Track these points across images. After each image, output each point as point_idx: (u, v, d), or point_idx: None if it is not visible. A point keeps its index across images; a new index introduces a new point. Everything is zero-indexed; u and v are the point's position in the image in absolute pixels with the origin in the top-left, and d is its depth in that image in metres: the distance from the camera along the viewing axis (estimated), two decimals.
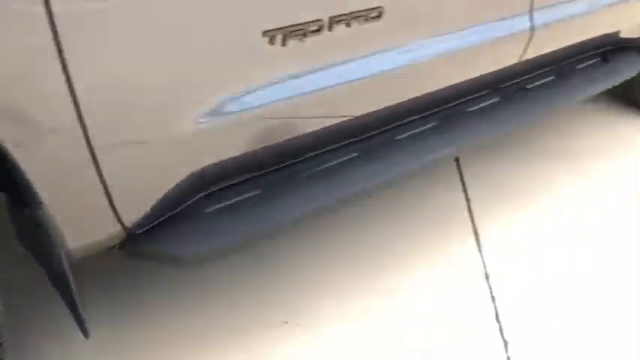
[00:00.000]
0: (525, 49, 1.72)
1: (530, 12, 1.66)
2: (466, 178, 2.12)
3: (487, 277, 1.70)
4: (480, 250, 1.79)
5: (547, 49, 1.83)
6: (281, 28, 1.07)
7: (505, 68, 1.76)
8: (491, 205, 1.99)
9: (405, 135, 1.65)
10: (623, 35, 2.14)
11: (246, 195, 1.32)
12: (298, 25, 1.10)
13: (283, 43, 1.09)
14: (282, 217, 1.34)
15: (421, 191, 2.03)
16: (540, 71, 2.00)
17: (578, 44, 1.99)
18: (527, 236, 1.87)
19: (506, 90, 1.88)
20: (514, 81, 1.92)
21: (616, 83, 2.22)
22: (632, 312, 1.61)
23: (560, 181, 2.13)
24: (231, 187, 1.34)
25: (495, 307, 1.60)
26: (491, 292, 1.65)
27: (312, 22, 1.13)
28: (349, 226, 1.86)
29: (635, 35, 2.18)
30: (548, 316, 1.58)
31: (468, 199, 2.02)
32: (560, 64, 2.05)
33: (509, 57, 1.72)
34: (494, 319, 1.57)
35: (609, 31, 2.09)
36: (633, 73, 2.25)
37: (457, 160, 2.20)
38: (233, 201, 1.32)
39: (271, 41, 1.07)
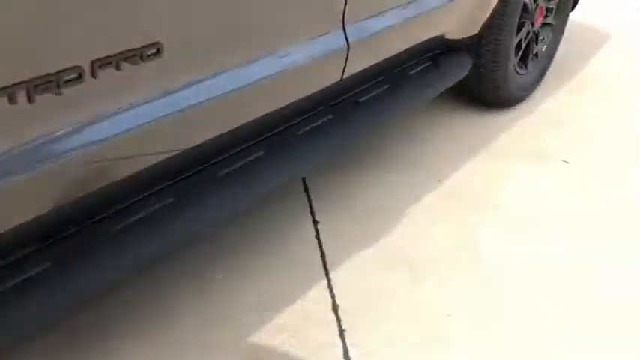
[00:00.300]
0: (345, 65, 1.64)
1: (344, 28, 1.58)
2: (314, 200, 2.03)
3: (336, 309, 1.61)
4: (329, 286, 1.69)
5: (370, 61, 1.77)
6: (20, 83, 0.90)
7: (331, 86, 1.68)
8: (340, 231, 1.91)
9: (229, 169, 1.52)
10: (449, 37, 2.14)
11: (34, 271, 1.13)
12: (47, 75, 0.93)
13: (30, 100, 0.92)
14: (83, 293, 1.17)
15: (267, 219, 1.91)
16: (372, 82, 1.95)
17: (405, 51, 1.95)
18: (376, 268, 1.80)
19: (337, 107, 1.81)
20: (345, 96, 1.85)
21: (450, 84, 2.23)
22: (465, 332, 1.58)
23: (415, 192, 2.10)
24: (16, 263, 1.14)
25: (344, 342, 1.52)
26: (340, 326, 1.56)
27: (67, 69, 0.96)
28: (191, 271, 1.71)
29: (460, 36, 2.19)
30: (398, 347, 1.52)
31: (315, 222, 1.92)
32: (391, 72, 2.01)
33: (330, 75, 1.64)
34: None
35: (435, 35, 2.08)
36: (464, 73, 2.26)
37: (304, 180, 2.11)
38: (20, 279, 1.13)
39: (11, 100, 0.89)
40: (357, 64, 1.69)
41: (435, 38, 2.07)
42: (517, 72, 2.57)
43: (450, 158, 2.28)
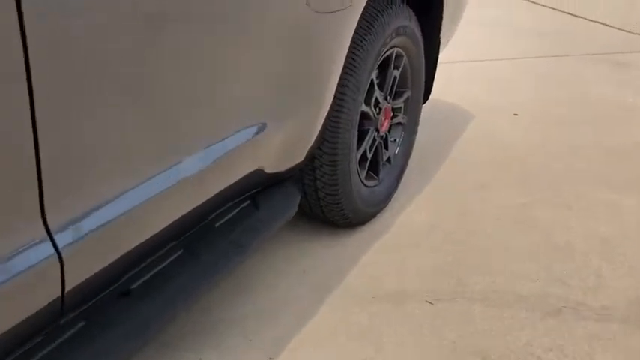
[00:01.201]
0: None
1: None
2: None
3: None
4: None
5: (140, 237, 1.28)
6: None
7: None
8: None
9: None
10: (269, 171, 1.70)
11: None
12: None
13: None
14: None
15: None
16: (166, 248, 1.46)
17: (206, 203, 1.48)
18: None
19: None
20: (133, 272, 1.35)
21: (276, 227, 1.77)
22: None
23: None
24: None
25: None
26: None
27: None
28: None
29: (283, 168, 1.75)
30: None
31: None
32: (190, 231, 1.53)
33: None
34: None
35: (248, 173, 1.62)
36: (293, 210, 1.82)
37: None
38: None
39: None
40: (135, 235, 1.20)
41: (248, 176, 1.62)
42: (366, 186, 2.17)
43: (275, 317, 1.81)
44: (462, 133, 3.07)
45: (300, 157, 1.78)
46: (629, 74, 4.15)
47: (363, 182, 2.14)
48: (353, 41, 1.85)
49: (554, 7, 5.43)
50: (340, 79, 1.83)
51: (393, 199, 2.39)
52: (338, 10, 1.71)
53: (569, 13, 5.36)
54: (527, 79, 3.91)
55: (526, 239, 2.27)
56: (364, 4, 1.84)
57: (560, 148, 2.99)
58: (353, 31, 1.81)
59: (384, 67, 2.16)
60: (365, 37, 1.90)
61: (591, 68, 4.21)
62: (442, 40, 2.50)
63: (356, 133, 2.01)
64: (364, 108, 2.05)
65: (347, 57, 1.83)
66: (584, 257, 2.19)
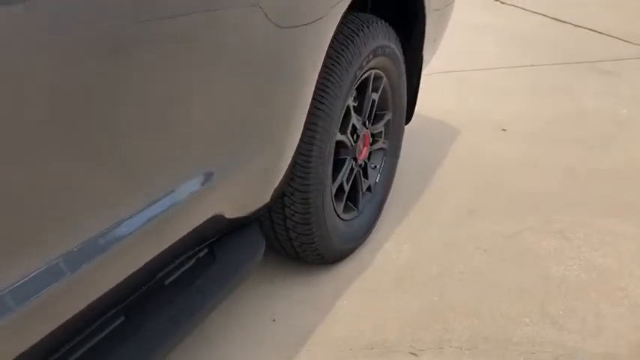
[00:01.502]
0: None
1: None
2: None
3: None
4: None
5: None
6: None
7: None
8: None
9: None
10: (230, 216, 1.50)
11: None
12: None
13: None
14: None
15: None
16: (105, 316, 1.26)
17: (157, 258, 1.29)
18: None
19: None
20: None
21: (244, 276, 1.57)
22: None
23: None
24: None
25: None
26: None
27: None
28: None
29: (245, 213, 1.56)
30: None
31: None
32: (137, 293, 1.32)
33: None
34: None
35: (205, 219, 1.42)
36: (258, 257, 1.62)
37: None
38: None
39: None
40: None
41: (205, 225, 1.42)
42: (343, 220, 1.98)
43: None
44: (447, 152, 2.89)
45: (265, 199, 1.58)
46: (618, 82, 3.98)
47: (339, 216, 1.95)
48: (325, 65, 1.65)
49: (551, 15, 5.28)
50: (310, 107, 1.63)
51: (372, 230, 2.20)
52: (308, 24, 1.50)
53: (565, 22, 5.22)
54: (517, 89, 3.74)
55: (517, 274, 2.09)
56: (338, 20, 1.64)
57: (553, 167, 2.81)
58: (325, 51, 1.61)
59: (361, 90, 1.97)
60: (339, 60, 1.71)
61: (582, 77, 4.04)
62: (425, 57, 2.32)
63: (331, 166, 1.83)
64: (339, 137, 1.86)
65: (318, 83, 1.64)
66: (581, 293, 2.01)
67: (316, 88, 1.64)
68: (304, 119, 1.60)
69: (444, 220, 2.35)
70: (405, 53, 2.20)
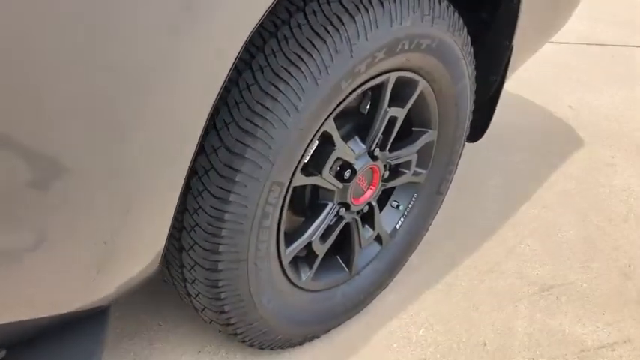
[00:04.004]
0: None
1: None
2: None
3: None
4: None
5: None
6: None
7: None
8: None
9: None
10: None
11: None
12: None
13: None
14: None
15: None
16: None
17: None
18: None
19: None
20: None
21: None
22: None
23: None
24: None
25: None
26: None
27: None
28: None
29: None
30: None
31: None
32: None
33: None
34: None
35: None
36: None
37: None
38: None
39: None
40: None
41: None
42: (310, 291, 1.30)
43: None
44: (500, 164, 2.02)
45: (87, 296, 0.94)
46: None
47: (303, 288, 1.27)
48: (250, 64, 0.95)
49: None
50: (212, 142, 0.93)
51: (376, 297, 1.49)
52: None
53: None
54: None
55: None
56: None
57: None
58: (242, 39, 0.87)
59: (373, 99, 1.22)
60: (288, 58, 0.97)
61: None
62: (518, 47, 1.46)
63: (277, 224, 1.13)
64: (303, 181, 1.14)
65: (234, 97, 0.94)
66: None
67: (228, 104, 0.94)
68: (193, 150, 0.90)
69: (483, 292, 1.57)
70: (484, 38, 1.38)
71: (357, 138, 1.23)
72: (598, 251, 1.73)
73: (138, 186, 0.85)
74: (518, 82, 2.46)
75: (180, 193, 0.92)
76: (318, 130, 1.08)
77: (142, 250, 0.94)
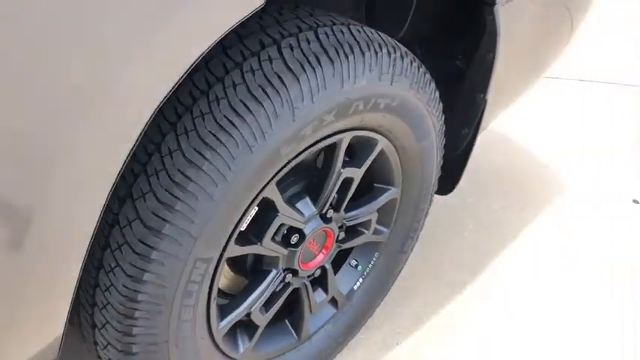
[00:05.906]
0: None
1: None
2: None
3: None
4: None
5: None
6: None
7: None
8: None
9: None
10: None
11: None
12: None
13: None
14: None
15: None
16: None
17: None
18: None
19: None
20: None
21: None
22: None
23: None
24: None
25: None
26: None
27: None
28: None
29: None
30: None
31: None
32: None
33: None
34: None
35: None
36: None
37: None
38: None
39: None
40: None
41: None
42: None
43: None
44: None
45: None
46: None
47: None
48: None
49: None
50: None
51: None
52: None
53: None
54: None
55: None
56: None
57: None
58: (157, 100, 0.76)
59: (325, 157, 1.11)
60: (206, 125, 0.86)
61: None
62: (493, 102, 1.35)
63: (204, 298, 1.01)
64: (239, 251, 1.03)
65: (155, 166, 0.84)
66: None
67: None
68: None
69: None
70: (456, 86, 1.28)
71: (307, 199, 1.12)
72: None
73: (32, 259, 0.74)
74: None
75: (81, 267, 0.80)
76: (256, 198, 0.96)
77: (37, 335, 0.83)
